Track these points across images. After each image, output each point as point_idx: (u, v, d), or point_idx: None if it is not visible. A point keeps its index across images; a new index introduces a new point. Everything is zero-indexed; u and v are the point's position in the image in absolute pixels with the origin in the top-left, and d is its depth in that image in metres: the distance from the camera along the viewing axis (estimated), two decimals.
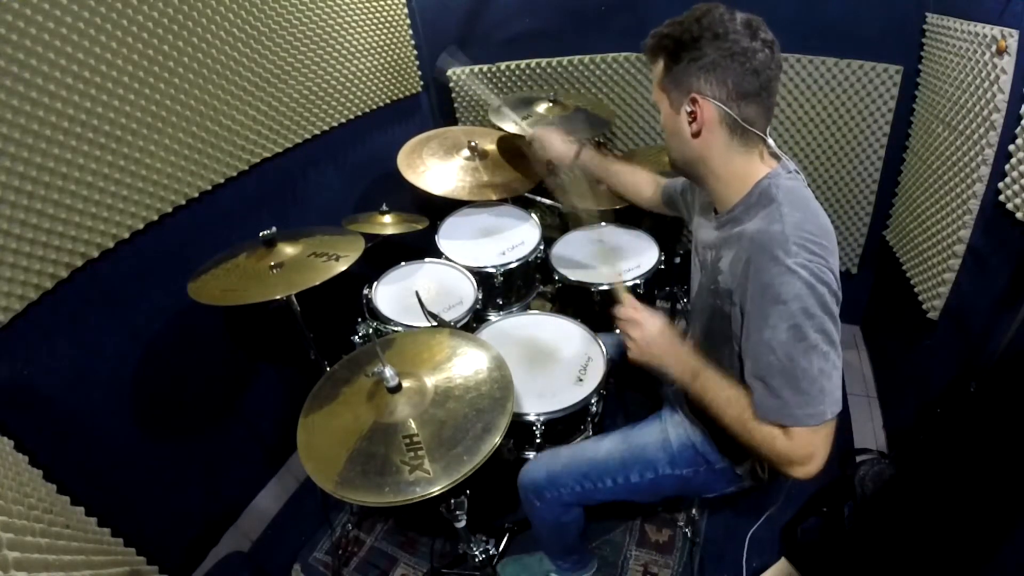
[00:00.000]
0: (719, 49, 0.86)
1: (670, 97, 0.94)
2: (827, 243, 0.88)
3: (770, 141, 0.93)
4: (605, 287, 1.67)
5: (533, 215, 1.97)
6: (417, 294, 1.54)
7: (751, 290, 0.89)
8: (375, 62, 2.08)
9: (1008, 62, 1.25)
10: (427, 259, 1.84)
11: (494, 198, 1.90)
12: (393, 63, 2.18)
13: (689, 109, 0.91)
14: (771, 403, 0.88)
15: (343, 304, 1.67)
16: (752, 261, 0.88)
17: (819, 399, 0.85)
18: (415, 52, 2.27)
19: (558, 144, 1.49)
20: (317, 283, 1.29)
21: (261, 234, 1.39)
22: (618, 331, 1.10)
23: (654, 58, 0.96)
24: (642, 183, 1.48)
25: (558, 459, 1.24)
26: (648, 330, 1.04)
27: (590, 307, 1.71)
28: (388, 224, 1.77)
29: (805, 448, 0.87)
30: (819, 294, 0.84)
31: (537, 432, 1.34)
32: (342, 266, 1.34)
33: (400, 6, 2.15)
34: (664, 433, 1.21)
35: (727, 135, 0.92)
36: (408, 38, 2.23)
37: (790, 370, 0.85)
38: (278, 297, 1.28)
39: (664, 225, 1.98)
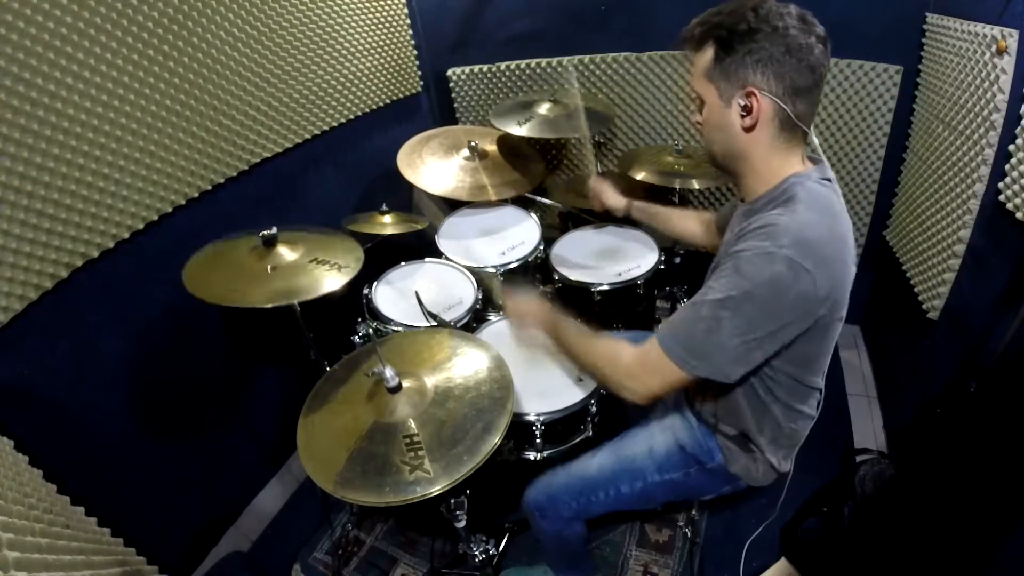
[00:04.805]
0: (777, 43, 0.84)
1: (719, 89, 0.91)
2: (831, 252, 0.86)
3: (813, 138, 0.93)
4: (604, 287, 1.67)
5: (533, 215, 1.97)
6: (417, 294, 1.54)
7: (730, 252, 0.89)
8: (375, 62, 2.08)
9: (1008, 62, 1.25)
10: (427, 259, 1.84)
11: (494, 198, 1.90)
12: (393, 63, 2.18)
13: (743, 103, 0.89)
14: (665, 326, 0.95)
15: (343, 304, 1.67)
16: (746, 235, 0.89)
17: (698, 354, 0.90)
18: (415, 52, 2.27)
19: (612, 196, 1.63)
20: (318, 295, 1.26)
21: (261, 234, 1.39)
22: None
23: (700, 47, 0.92)
24: (692, 223, 1.46)
25: (556, 480, 1.27)
26: (521, 311, 1.22)
27: (590, 307, 1.71)
28: (388, 224, 1.77)
29: (643, 363, 0.95)
30: (772, 291, 0.83)
31: (537, 432, 1.34)
32: (344, 278, 1.32)
33: (400, 6, 2.15)
34: (650, 441, 1.22)
35: (776, 131, 0.90)
36: (408, 38, 2.23)
37: (702, 318, 0.88)
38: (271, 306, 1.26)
39: None
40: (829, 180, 0.93)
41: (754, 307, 0.85)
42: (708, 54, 0.91)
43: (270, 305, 1.25)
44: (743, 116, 0.90)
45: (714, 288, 0.88)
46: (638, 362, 0.97)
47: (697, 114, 1.00)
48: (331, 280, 1.31)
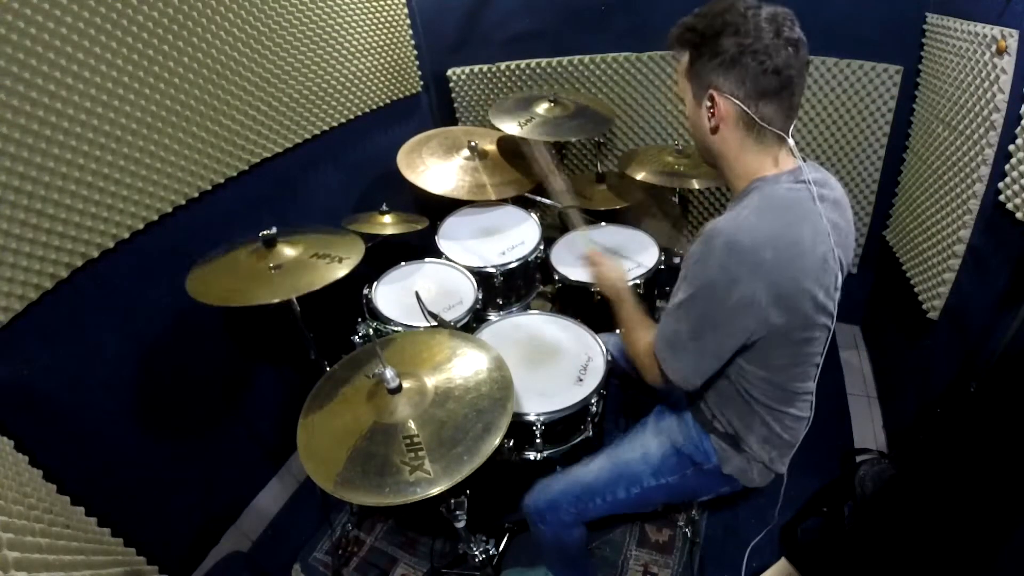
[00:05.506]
0: (738, 46, 0.84)
1: (692, 89, 0.95)
2: (770, 256, 0.84)
3: (790, 141, 0.92)
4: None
5: (533, 215, 1.97)
6: (417, 294, 1.54)
7: (687, 255, 0.96)
8: (375, 62, 2.08)
9: (1008, 62, 1.25)
10: (427, 259, 1.84)
11: (494, 198, 1.90)
12: (393, 63, 2.18)
13: (708, 104, 0.92)
14: (659, 330, 1.04)
15: (343, 304, 1.67)
16: (696, 238, 0.93)
17: (671, 356, 1.00)
18: (415, 52, 2.27)
19: None
20: (318, 287, 1.27)
21: (261, 234, 1.39)
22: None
23: (680, 49, 0.96)
24: None
25: (555, 485, 1.28)
26: (601, 269, 1.29)
27: (590, 307, 1.71)
28: (388, 224, 1.77)
29: (649, 358, 1.05)
30: (710, 295, 0.89)
31: (537, 432, 1.34)
32: (344, 269, 1.33)
33: (400, 6, 2.15)
34: (645, 446, 1.22)
35: (743, 132, 0.91)
36: (408, 38, 2.23)
37: (669, 322, 0.99)
38: (276, 300, 1.27)
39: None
40: (803, 183, 0.90)
41: (698, 309, 0.92)
42: (684, 57, 0.95)
43: (276, 300, 1.26)
44: (709, 117, 0.93)
45: (675, 291, 0.97)
46: (645, 353, 1.06)
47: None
48: (333, 272, 1.31)
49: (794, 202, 0.89)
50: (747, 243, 0.84)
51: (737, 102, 0.88)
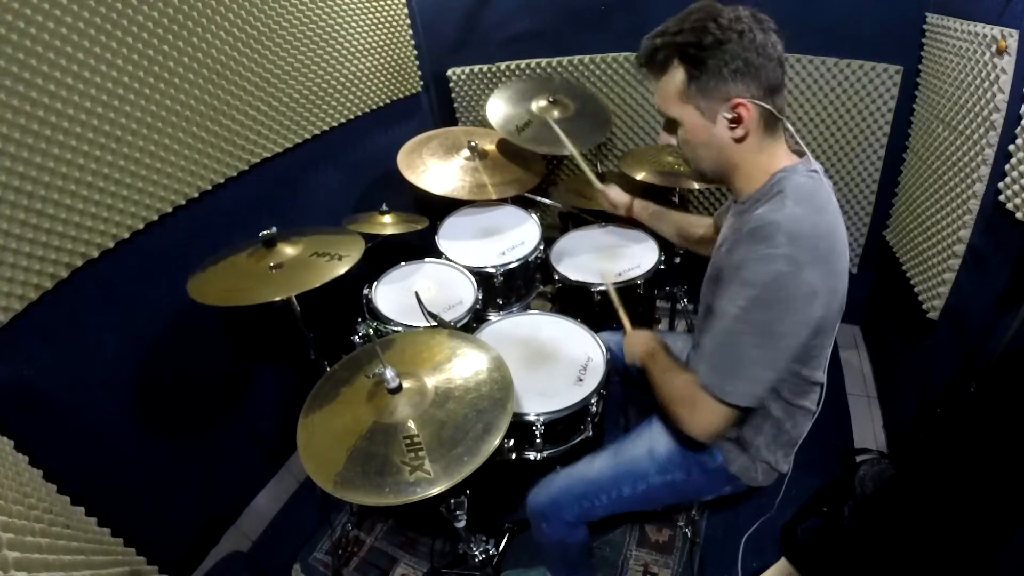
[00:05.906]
0: (748, 48, 0.83)
1: (699, 107, 0.90)
2: (824, 245, 0.85)
3: (788, 125, 0.94)
4: (603, 287, 1.68)
5: (533, 215, 1.97)
6: (417, 294, 1.54)
7: (730, 263, 0.90)
8: (375, 62, 2.08)
9: (1008, 62, 1.25)
10: (427, 259, 1.84)
11: (494, 198, 1.90)
12: (393, 63, 2.18)
13: (730, 116, 0.88)
14: (700, 362, 0.96)
15: (343, 304, 1.67)
16: (741, 240, 0.89)
17: (732, 377, 0.90)
18: (415, 52, 2.27)
19: (616, 192, 1.65)
20: (318, 284, 1.28)
21: (261, 234, 1.39)
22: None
23: (664, 69, 0.91)
24: (695, 224, 1.48)
25: (557, 483, 1.27)
26: (630, 342, 1.24)
27: (590, 307, 1.71)
28: (388, 224, 1.77)
29: (691, 395, 0.94)
30: (778, 291, 0.84)
31: (537, 432, 1.34)
32: (344, 266, 1.33)
33: (400, 6, 2.15)
34: (651, 443, 1.21)
35: (762, 132, 0.91)
36: (408, 38, 2.23)
37: (724, 341, 0.90)
38: (277, 299, 1.27)
39: None
40: (816, 172, 0.93)
41: (764, 312, 0.85)
42: (678, 75, 0.89)
43: (277, 298, 1.26)
44: (732, 128, 0.90)
45: (724, 305, 0.89)
46: (688, 402, 0.96)
47: (668, 136, 0.99)
48: (334, 269, 1.32)
49: (817, 190, 0.91)
50: (806, 231, 0.84)
51: (760, 103, 0.87)
